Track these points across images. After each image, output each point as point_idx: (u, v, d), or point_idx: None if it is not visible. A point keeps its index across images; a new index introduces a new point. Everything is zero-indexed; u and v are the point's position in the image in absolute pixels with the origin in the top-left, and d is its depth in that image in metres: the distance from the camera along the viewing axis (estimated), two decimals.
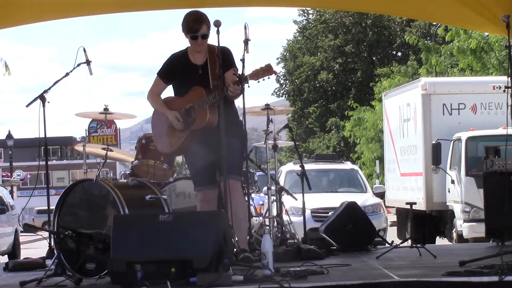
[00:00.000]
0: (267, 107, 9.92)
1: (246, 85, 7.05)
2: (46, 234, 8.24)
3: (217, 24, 6.98)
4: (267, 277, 6.35)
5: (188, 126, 7.26)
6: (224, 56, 7.22)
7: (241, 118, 7.52)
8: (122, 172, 9.60)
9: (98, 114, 8.78)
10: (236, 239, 7.20)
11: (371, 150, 34.46)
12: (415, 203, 10.46)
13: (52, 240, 7.87)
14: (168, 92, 7.66)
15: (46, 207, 8.20)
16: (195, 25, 7.30)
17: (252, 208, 9.56)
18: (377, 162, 33.50)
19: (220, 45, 7.23)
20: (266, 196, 10.06)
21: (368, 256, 8.69)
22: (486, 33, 21.87)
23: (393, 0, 10.09)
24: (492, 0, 9.43)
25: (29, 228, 9.11)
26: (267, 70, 6.94)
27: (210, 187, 7.48)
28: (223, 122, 6.93)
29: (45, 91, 7.93)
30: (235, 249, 7.08)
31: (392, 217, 20.03)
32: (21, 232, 20.01)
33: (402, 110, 17.62)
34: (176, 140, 7.41)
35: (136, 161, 8.56)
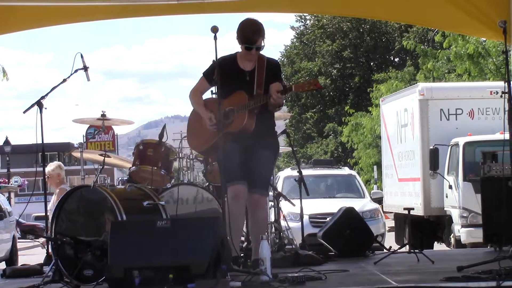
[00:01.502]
0: None
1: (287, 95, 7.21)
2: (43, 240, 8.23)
3: (215, 30, 6.98)
4: (265, 283, 6.35)
5: (224, 127, 7.17)
6: (275, 70, 7.43)
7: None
8: (120, 178, 9.59)
9: (96, 120, 8.77)
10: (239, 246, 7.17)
11: (369, 156, 34.46)
12: (413, 209, 10.48)
13: (49, 246, 7.86)
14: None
15: (44, 214, 8.18)
16: (252, 37, 7.28)
17: None
18: (375, 167, 33.50)
19: (271, 57, 7.49)
20: None
21: (366, 261, 8.69)
22: (483, 39, 21.91)
23: (390, 6, 10.10)
24: (489, 6, 9.45)
25: (26, 233, 9.09)
26: (313, 84, 7.12)
27: (241, 182, 7.23)
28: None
29: (43, 97, 7.93)
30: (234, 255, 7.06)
31: (390, 223, 20.03)
32: (19, 238, 19.98)
33: (400, 115, 17.64)
34: (209, 139, 7.39)
35: (134, 167, 8.55)
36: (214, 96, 7.68)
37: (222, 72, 7.19)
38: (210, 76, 7.44)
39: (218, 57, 7.28)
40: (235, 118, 7.21)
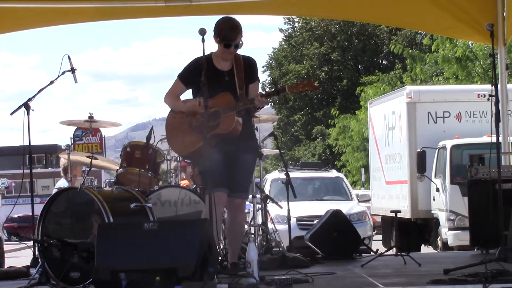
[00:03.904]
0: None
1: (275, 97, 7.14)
2: (30, 242, 8.19)
3: (203, 32, 6.90)
4: (252, 286, 6.35)
5: (210, 129, 6.98)
6: (251, 68, 7.25)
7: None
8: (107, 180, 9.58)
9: (83, 122, 8.75)
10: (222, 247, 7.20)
11: (357, 159, 34.52)
12: (400, 211, 10.52)
13: (36, 249, 7.84)
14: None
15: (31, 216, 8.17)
16: (231, 34, 7.12)
17: None
18: (363, 170, 33.55)
19: (246, 55, 7.30)
20: (251, 204, 10.05)
21: (353, 264, 8.69)
22: (471, 42, 21.99)
23: (378, 9, 10.13)
24: (476, 9, 9.50)
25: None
26: (309, 85, 6.92)
27: (221, 189, 7.12)
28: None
29: (30, 99, 7.92)
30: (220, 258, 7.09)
31: (378, 225, 20.07)
32: (5, 240, 19.89)
33: (387, 118, 17.66)
34: (194, 142, 7.15)
35: (121, 169, 8.53)
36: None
37: (197, 74, 7.03)
38: (185, 78, 7.29)
39: (192, 59, 7.26)
40: (222, 120, 7.04)
